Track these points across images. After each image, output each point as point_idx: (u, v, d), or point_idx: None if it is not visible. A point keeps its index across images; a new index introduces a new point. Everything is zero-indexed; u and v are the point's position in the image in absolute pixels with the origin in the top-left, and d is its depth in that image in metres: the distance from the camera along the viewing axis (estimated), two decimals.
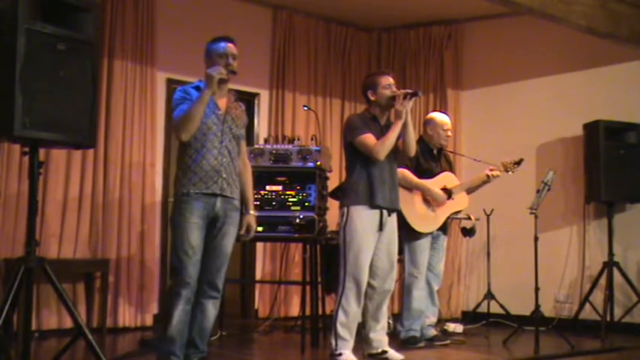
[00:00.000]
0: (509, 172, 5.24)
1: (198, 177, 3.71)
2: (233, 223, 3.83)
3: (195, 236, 3.67)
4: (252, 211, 4.00)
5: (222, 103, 3.87)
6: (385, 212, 4.36)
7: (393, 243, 4.45)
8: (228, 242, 3.81)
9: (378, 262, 4.37)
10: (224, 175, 3.77)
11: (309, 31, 7.04)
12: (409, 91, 4.35)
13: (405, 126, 4.37)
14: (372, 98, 4.44)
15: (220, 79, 3.73)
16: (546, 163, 6.26)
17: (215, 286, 3.79)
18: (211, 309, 3.80)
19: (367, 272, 4.30)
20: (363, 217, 4.28)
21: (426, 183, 5.06)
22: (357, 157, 4.36)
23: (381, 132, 4.39)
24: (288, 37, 6.88)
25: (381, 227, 4.34)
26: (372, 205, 4.30)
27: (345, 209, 4.33)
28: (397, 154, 4.51)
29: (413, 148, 4.50)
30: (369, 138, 4.30)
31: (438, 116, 5.29)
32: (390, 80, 4.44)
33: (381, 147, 4.28)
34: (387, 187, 4.37)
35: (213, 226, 3.76)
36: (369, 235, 4.29)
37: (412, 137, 4.43)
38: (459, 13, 7.05)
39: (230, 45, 3.87)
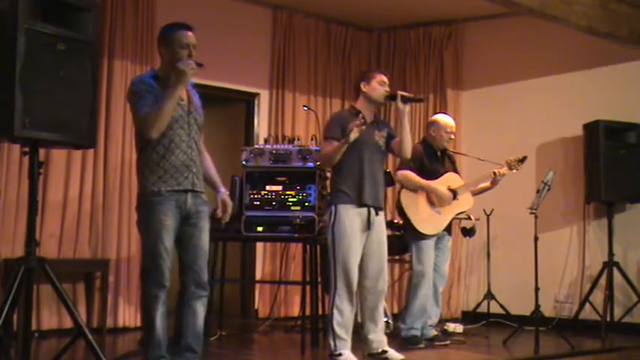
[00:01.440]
0: (514, 170, 5.24)
1: (169, 174, 3.53)
2: (205, 218, 3.68)
3: (169, 238, 3.52)
4: (223, 189, 3.82)
5: (183, 92, 3.61)
6: (373, 211, 4.34)
7: (382, 243, 4.43)
8: (205, 237, 3.67)
9: (368, 263, 4.36)
10: (194, 170, 3.61)
11: (309, 31, 7.04)
12: (413, 95, 4.38)
13: (402, 128, 4.39)
14: (364, 89, 4.42)
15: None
16: (546, 163, 6.25)
17: (203, 285, 3.65)
18: (202, 309, 3.67)
19: (357, 271, 4.29)
20: (352, 216, 4.27)
21: (431, 183, 5.07)
22: (343, 155, 4.31)
23: (367, 130, 4.36)
24: (288, 37, 6.87)
25: (369, 226, 4.33)
26: (360, 204, 4.29)
27: (333, 208, 4.31)
28: (386, 154, 4.53)
29: (409, 151, 4.50)
30: (328, 145, 4.33)
31: (441, 118, 5.29)
32: (385, 79, 4.45)
33: (326, 160, 4.43)
34: (374, 186, 4.35)
35: (186, 223, 3.61)
36: (357, 234, 4.28)
37: (408, 140, 4.43)
38: (459, 13, 7.04)
39: (191, 34, 3.59)
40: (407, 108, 4.38)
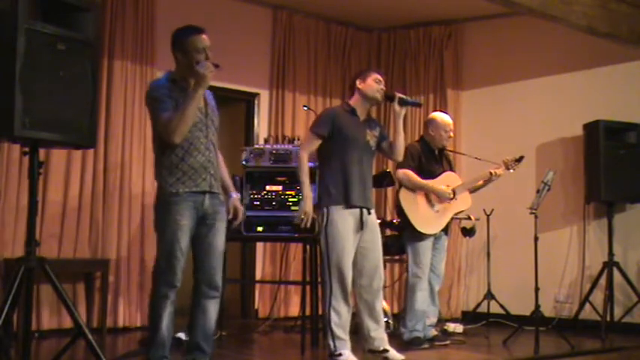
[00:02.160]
0: (511, 170, 5.24)
1: (187, 175, 3.57)
2: (222, 219, 3.71)
3: (185, 239, 3.56)
4: (234, 194, 3.87)
5: None
6: (365, 211, 4.34)
7: (377, 242, 4.42)
8: (220, 239, 3.71)
9: (364, 262, 4.35)
10: (212, 172, 3.65)
11: (309, 31, 7.04)
12: (411, 99, 4.38)
13: (396, 130, 4.41)
14: (360, 86, 4.42)
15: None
16: (546, 163, 6.26)
17: (215, 286, 3.68)
18: (212, 309, 3.70)
19: (351, 271, 4.28)
20: (344, 217, 4.25)
21: (430, 182, 5.07)
22: (332, 152, 4.31)
23: (358, 127, 4.36)
24: (288, 37, 6.88)
25: (362, 226, 4.31)
26: (350, 205, 4.27)
27: (325, 210, 4.28)
28: (376, 154, 4.53)
29: (401, 154, 4.52)
30: (312, 141, 4.32)
31: (440, 117, 5.28)
32: (380, 78, 4.46)
33: (301, 162, 4.27)
34: (362, 187, 4.33)
35: (202, 224, 3.64)
36: (350, 235, 4.26)
37: (401, 142, 4.45)
38: (458, 13, 7.05)
39: (205, 37, 3.61)
40: (403, 111, 4.40)
